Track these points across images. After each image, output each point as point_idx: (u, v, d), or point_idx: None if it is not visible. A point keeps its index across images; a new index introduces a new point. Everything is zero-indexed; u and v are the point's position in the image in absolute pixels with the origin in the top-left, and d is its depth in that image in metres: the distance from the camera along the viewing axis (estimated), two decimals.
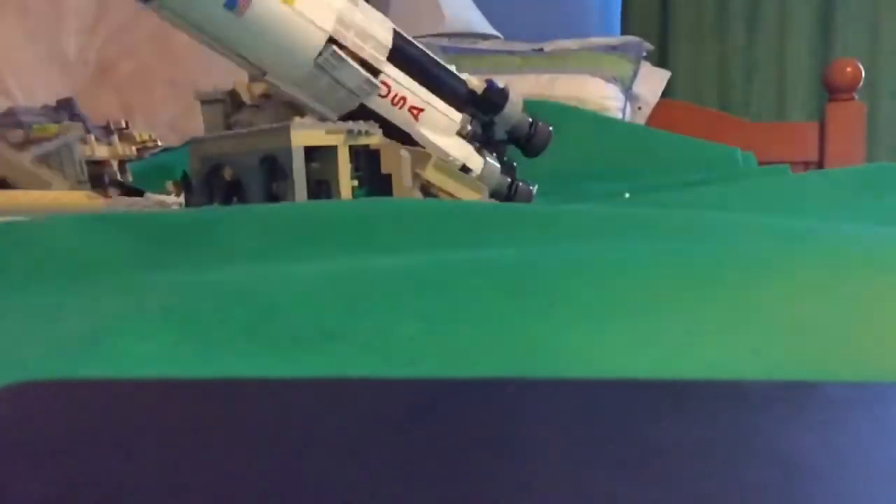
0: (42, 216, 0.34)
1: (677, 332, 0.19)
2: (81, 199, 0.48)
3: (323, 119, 0.52)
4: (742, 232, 0.31)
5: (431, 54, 0.57)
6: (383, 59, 0.53)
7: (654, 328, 0.19)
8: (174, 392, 0.15)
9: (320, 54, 0.50)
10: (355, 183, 0.51)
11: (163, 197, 0.58)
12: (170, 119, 1.06)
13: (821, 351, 0.18)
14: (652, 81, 1.42)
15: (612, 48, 1.32)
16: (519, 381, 0.16)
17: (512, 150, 0.63)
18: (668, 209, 0.47)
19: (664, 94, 1.44)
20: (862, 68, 1.33)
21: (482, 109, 0.59)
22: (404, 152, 0.52)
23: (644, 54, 1.36)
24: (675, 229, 0.32)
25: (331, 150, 0.50)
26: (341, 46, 0.50)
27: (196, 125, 0.59)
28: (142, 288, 0.24)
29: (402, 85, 0.54)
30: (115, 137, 0.60)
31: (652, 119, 1.38)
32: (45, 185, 0.51)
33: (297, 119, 0.49)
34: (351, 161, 0.50)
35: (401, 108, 0.54)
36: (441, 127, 0.56)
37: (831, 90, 1.34)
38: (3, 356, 0.18)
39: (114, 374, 0.17)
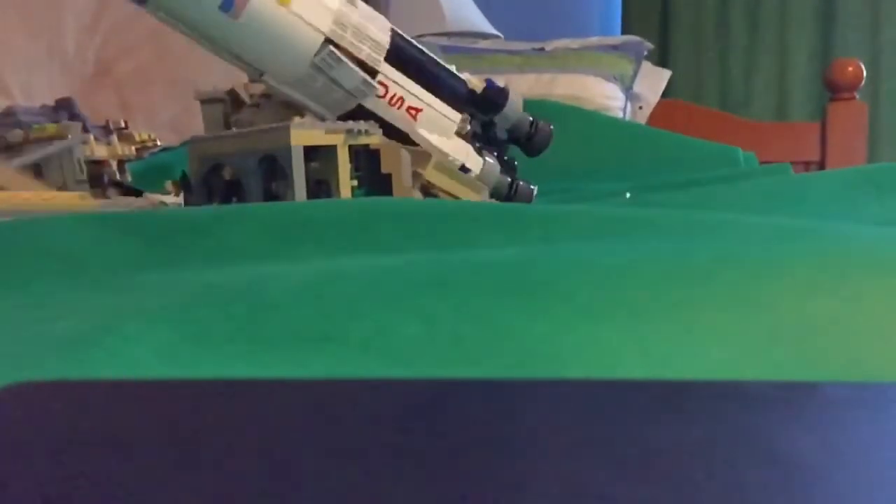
0: (38, 216, 0.34)
1: (677, 332, 0.19)
2: (73, 199, 0.48)
3: (322, 119, 0.52)
4: (743, 232, 0.31)
5: (430, 54, 0.57)
6: (381, 59, 0.53)
7: (654, 328, 0.19)
8: (174, 392, 0.15)
9: (317, 55, 0.50)
10: (355, 183, 0.51)
11: (162, 197, 0.58)
12: (169, 119, 1.06)
13: (821, 351, 0.18)
14: (653, 81, 1.41)
15: (613, 48, 1.32)
16: (519, 381, 0.16)
17: (513, 150, 0.63)
18: (669, 209, 0.47)
19: (665, 93, 1.44)
20: (863, 68, 1.33)
21: (482, 109, 0.59)
22: (404, 152, 0.52)
23: (645, 54, 1.36)
24: (675, 229, 0.32)
25: (330, 150, 0.50)
26: (338, 47, 0.50)
27: (196, 125, 0.59)
28: (141, 288, 0.24)
29: (399, 85, 0.54)
30: (115, 137, 0.60)
31: (652, 119, 1.38)
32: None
33: (297, 119, 0.49)
34: (351, 161, 0.50)
35: (399, 108, 0.54)
36: (440, 127, 0.56)
37: (833, 90, 1.34)
38: (2, 356, 0.18)
39: (114, 374, 0.17)
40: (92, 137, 0.58)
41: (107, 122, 0.63)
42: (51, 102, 0.65)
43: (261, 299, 0.21)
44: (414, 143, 0.55)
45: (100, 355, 0.18)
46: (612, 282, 0.21)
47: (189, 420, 0.14)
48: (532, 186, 0.62)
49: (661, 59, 1.85)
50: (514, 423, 0.13)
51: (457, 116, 0.57)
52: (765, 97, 1.85)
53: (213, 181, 0.53)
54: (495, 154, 0.61)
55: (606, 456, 0.12)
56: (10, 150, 0.57)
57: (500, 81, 0.61)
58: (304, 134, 0.48)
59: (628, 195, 0.67)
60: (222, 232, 0.32)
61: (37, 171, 0.56)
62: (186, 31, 0.49)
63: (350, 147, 0.50)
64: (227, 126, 0.55)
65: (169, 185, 0.61)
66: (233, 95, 0.56)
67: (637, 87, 1.35)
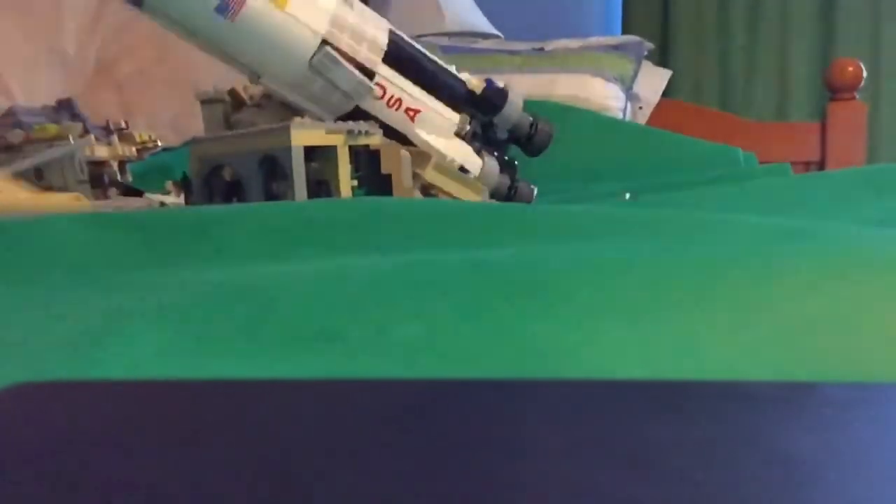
0: (39, 215, 0.34)
1: (677, 332, 0.19)
2: (66, 200, 0.48)
3: (321, 120, 0.52)
4: (743, 232, 0.31)
5: (429, 54, 0.57)
6: (378, 60, 0.53)
7: (655, 328, 0.19)
8: (174, 392, 0.15)
9: (314, 56, 0.50)
10: (355, 183, 0.51)
11: (162, 197, 0.58)
12: (170, 119, 1.06)
13: (821, 351, 0.18)
14: (653, 81, 1.42)
15: (613, 48, 1.32)
16: (519, 381, 0.16)
17: (514, 150, 0.63)
18: (669, 209, 0.47)
19: (665, 93, 1.44)
20: (863, 68, 1.33)
21: (481, 110, 0.59)
22: (404, 153, 0.52)
23: (645, 54, 1.36)
24: (675, 229, 0.32)
25: (331, 151, 0.50)
26: (335, 48, 0.50)
27: (196, 125, 0.59)
28: (142, 287, 0.24)
29: (397, 86, 0.54)
30: (115, 138, 0.60)
31: (653, 119, 1.38)
32: None
33: (297, 119, 0.49)
34: (351, 161, 0.50)
35: (397, 109, 0.54)
36: (438, 128, 0.56)
37: (833, 90, 1.34)
38: (2, 356, 0.18)
39: (114, 374, 0.17)
40: (93, 138, 0.58)
41: (107, 122, 0.63)
42: (51, 103, 0.65)
43: (261, 299, 0.21)
44: (413, 144, 0.55)
45: (101, 355, 0.18)
46: (612, 282, 0.21)
47: (189, 420, 0.14)
48: (532, 187, 0.62)
49: (662, 60, 1.85)
50: (514, 423, 0.13)
51: (455, 117, 0.57)
52: (765, 97, 1.85)
53: (213, 182, 0.53)
54: (495, 154, 0.61)
55: (606, 456, 0.12)
56: (11, 150, 0.57)
57: (500, 81, 0.61)
58: (304, 134, 0.48)
59: (628, 196, 0.67)
60: (223, 232, 0.32)
61: (38, 172, 0.56)
62: (183, 34, 0.49)
63: (350, 147, 0.50)
64: (228, 126, 0.55)
65: (169, 185, 0.61)
66: (233, 96, 0.56)
67: (637, 88, 1.35)
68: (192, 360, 0.18)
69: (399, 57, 0.54)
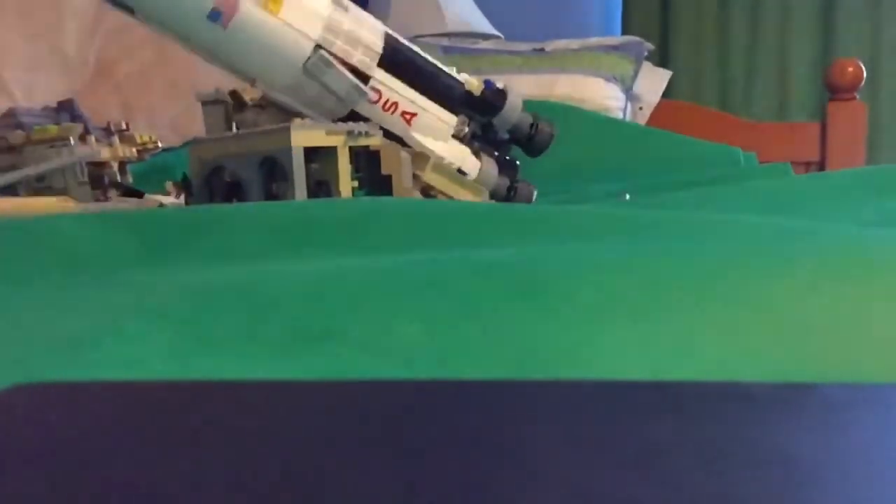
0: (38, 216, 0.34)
1: (677, 332, 0.19)
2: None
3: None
4: (743, 232, 0.31)
5: (427, 56, 0.57)
6: (374, 64, 0.52)
7: (655, 329, 0.19)
8: (174, 392, 0.15)
9: (308, 59, 0.50)
10: (355, 184, 0.51)
11: (161, 198, 0.58)
12: (170, 119, 1.06)
13: (821, 351, 0.18)
14: (653, 81, 1.42)
15: (613, 48, 1.32)
16: (519, 381, 0.16)
17: (515, 150, 0.63)
18: (669, 209, 0.47)
19: (665, 94, 1.44)
20: (863, 68, 1.33)
21: (480, 111, 0.59)
22: (404, 153, 0.52)
23: (645, 54, 1.36)
24: (675, 230, 0.32)
25: (331, 151, 0.50)
26: (329, 53, 0.50)
27: (196, 126, 0.59)
28: (141, 287, 0.24)
29: (393, 90, 0.54)
30: (116, 139, 0.60)
31: (653, 119, 1.38)
32: None
33: (297, 120, 0.49)
34: (351, 162, 0.50)
35: (392, 113, 0.54)
36: (435, 131, 0.56)
37: (833, 90, 1.34)
38: (2, 356, 0.18)
39: (114, 374, 0.17)
40: (93, 139, 0.58)
41: (108, 123, 0.63)
42: (52, 104, 0.65)
43: (261, 299, 0.21)
44: None
45: (100, 355, 0.18)
46: (612, 282, 0.21)
47: (189, 420, 0.14)
48: (532, 187, 0.62)
49: (662, 60, 1.85)
50: (514, 424, 0.13)
51: (453, 120, 0.57)
52: (765, 97, 1.85)
53: (213, 182, 0.53)
54: (496, 154, 0.61)
55: (606, 456, 0.12)
56: (12, 151, 0.57)
57: (499, 82, 0.61)
58: (304, 135, 0.48)
59: (628, 196, 0.67)
60: (223, 231, 0.32)
61: (39, 174, 0.56)
62: (177, 40, 0.49)
63: (350, 148, 0.50)
64: (229, 127, 0.55)
65: (169, 185, 0.61)
66: (235, 97, 0.56)
67: (637, 88, 1.35)
68: (191, 360, 0.18)
69: (395, 60, 0.54)
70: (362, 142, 0.51)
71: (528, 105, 0.63)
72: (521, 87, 1.22)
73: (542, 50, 1.32)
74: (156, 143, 0.63)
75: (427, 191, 0.54)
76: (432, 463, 0.12)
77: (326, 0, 0.51)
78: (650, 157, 0.97)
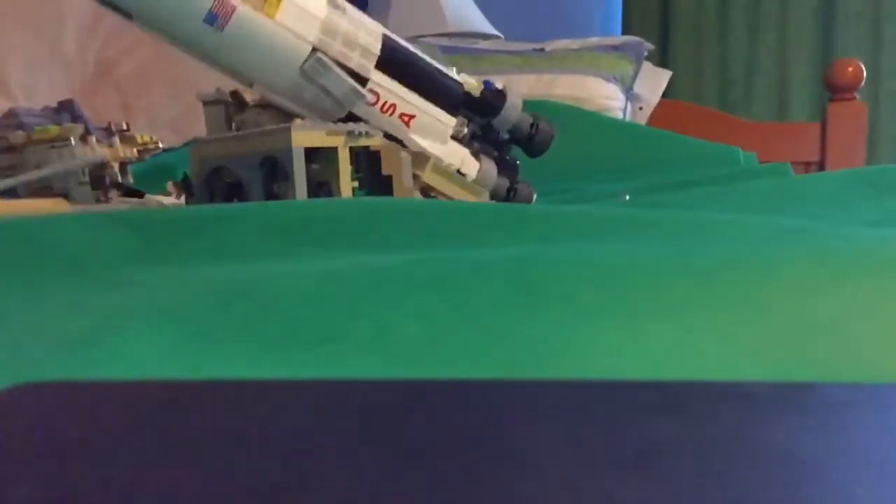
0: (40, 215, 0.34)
1: (677, 332, 0.19)
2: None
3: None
4: (742, 232, 0.31)
5: (425, 58, 0.57)
6: (371, 66, 0.52)
7: (654, 328, 0.19)
8: (174, 392, 0.15)
9: (305, 62, 0.50)
10: (356, 184, 0.51)
11: (161, 198, 0.58)
12: (171, 119, 1.06)
13: (821, 351, 0.18)
14: (653, 81, 1.42)
15: (613, 48, 1.32)
16: (519, 381, 0.16)
17: (516, 150, 0.63)
18: (669, 209, 0.47)
19: (665, 94, 1.44)
20: (863, 68, 1.33)
21: (479, 112, 0.59)
22: (405, 154, 0.52)
23: (645, 54, 1.36)
24: (675, 229, 0.32)
25: (331, 152, 0.50)
26: (327, 56, 0.50)
27: (197, 125, 0.59)
28: (142, 287, 0.24)
29: (391, 92, 0.54)
30: (116, 139, 0.60)
31: (653, 119, 1.38)
32: None
33: (298, 120, 0.49)
34: (351, 162, 0.50)
35: (391, 115, 0.54)
36: (434, 132, 0.56)
37: (833, 90, 1.34)
38: (2, 356, 0.18)
39: (115, 374, 0.17)
40: (94, 139, 0.58)
41: (109, 123, 0.63)
42: (53, 104, 0.65)
43: (261, 299, 0.21)
44: None
45: (101, 355, 0.18)
46: (612, 282, 0.21)
47: (189, 420, 0.14)
48: (532, 188, 0.62)
49: (662, 60, 1.85)
50: (514, 424, 0.13)
51: (452, 121, 0.57)
52: (765, 97, 1.85)
53: (214, 182, 0.53)
54: (496, 155, 0.61)
55: (606, 456, 0.12)
56: (13, 151, 0.57)
57: (499, 82, 0.61)
58: (305, 136, 0.48)
59: (627, 197, 0.67)
60: (223, 231, 0.32)
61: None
62: (174, 44, 0.49)
63: (351, 149, 0.50)
64: (230, 127, 0.55)
65: (170, 186, 0.61)
66: (236, 96, 0.56)
67: (637, 88, 1.35)
68: (192, 359, 0.18)
69: (393, 62, 0.54)
70: (363, 142, 0.51)
71: (529, 105, 0.63)
72: (522, 87, 1.22)
73: (542, 50, 1.32)
74: (156, 143, 0.63)
75: (427, 191, 0.54)
76: (432, 463, 0.12)
77: (323, 2, 0.51)
78: (650, 157, 0.97)
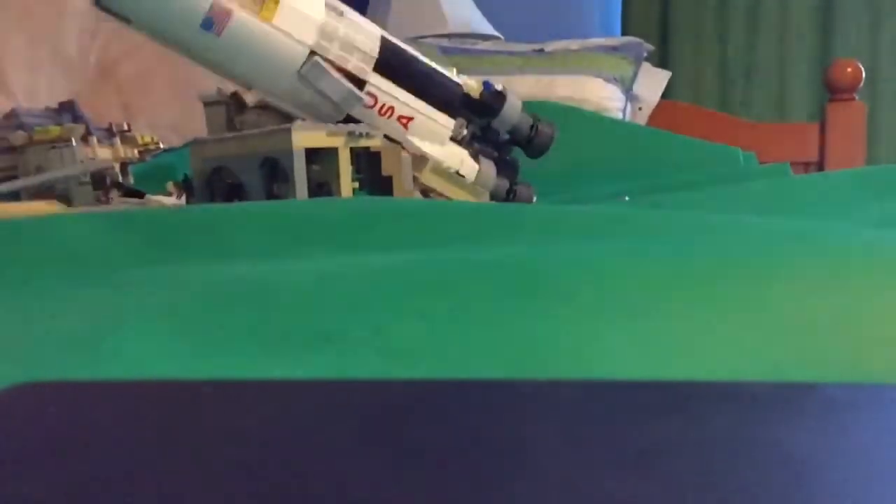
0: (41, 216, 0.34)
1: (677, 332, 0.19)
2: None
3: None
4: (742, 233, 0.31)
5: (424, 60, 0.57)
6: (369, 69, 0.52)
7: (654, 329, 0.19)
8: (174, 392, 0.15)
9: (302, 66, 0.50)
10: (356, 185, 0.51)
11: (162, 198, 0.58)
12: (171, 120, 1.06)
13: (821, 351, 0.18)
14: (652, 82, 1.42)
15: (613, 49, 1.32)
16: (519, 381, 0.16)
17: (516, 150, 0.63)
18: (669, 210, 0.47)
19: (665, 94, 1.44)
20: (863, 68, 1.33)
21: (478, 113, 0.59)
22: (405, 154, 0.52)
23: (644, 55, 1.36)
24: (675, 230, 0.32)
25: (332, 153, 0.50)
26: (324, 59, 0.50)
27: (197, 126, 0.59)
28: (142, 287, 0.24)
29: (389, 95, 0.53)
30: (117, 139, 0.60)
31: (652, 119, 1.38)
32: None
33: (298, 121, 0.49)
34: (352, 163, 0.50)
35: (389, 117, 0.54)
36: (432, 134, 0.56)
37: (832, 90, 1.34)
38: (3, 356, 0.18)
39: (115, 373, 0.17)
40: (95, 140, 0.58)
41: (110, 124, 0.63)
42: (53, 104, 0.65)
43: (262, 298, 0.21)
44: None
45: (101, 355, 0.18)
46: (612, 282, 0.21)
47: (189, 420, 0.14)
48: (532, 189, 0.62)
49: (661, 60, 1.85)
50: (514, 424, 0.13)
51: (450, 123, 0.57)
52: (765, 97, 1.85)
53: (215, 183, 0.53)
54: (496, 155, 0.61)
55: (606, 456, 0.12)
56: (14, 151, 0.57)
57: (499, 83, 0.61)
58: (305, 136, 0.48)
59: (627, 198, 0.66)
60: (224, 230, 0.32)
61: (38, 173, 0.56)
62: (172, 48, 0.49)
63: (351, 149, 0.50)
64: (231, 128, 0.55)
65: (170, 186, 0.61)
66: (236, 98, 0.56)
67: (637, 88, 1.35)
68: (192, 359, 0.18)
69: (392, 64, 0.53)
70: (363, 143, 0.51)
71: (528, 106, 0.63)
72: (521, 87, 1.22)
73: (541, 51, 1.32)
74: (157, 143, 0.63)
75: (426, 192, 0.54)
76: (432, 463, 0.12)
77: (321, 6, 0.51)
78: (650, 157, 0.97)
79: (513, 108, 0.59)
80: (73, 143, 0.56)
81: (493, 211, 0.34)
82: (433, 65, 0.57)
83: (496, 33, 1.49)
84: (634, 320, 0.19)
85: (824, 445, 0.12)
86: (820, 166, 1.34)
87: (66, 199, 0.55)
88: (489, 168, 0.59)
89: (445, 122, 0.56)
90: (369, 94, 0.53)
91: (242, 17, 0.48)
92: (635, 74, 1.31)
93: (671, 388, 0.15)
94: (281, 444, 0.12)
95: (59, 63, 0.98)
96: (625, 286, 0.21)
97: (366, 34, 0.53)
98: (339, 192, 0.50)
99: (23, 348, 0.19)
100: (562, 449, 0.12)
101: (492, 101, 0.58)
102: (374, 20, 0.57)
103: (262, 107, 0.54)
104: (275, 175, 0.49)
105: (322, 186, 0.50)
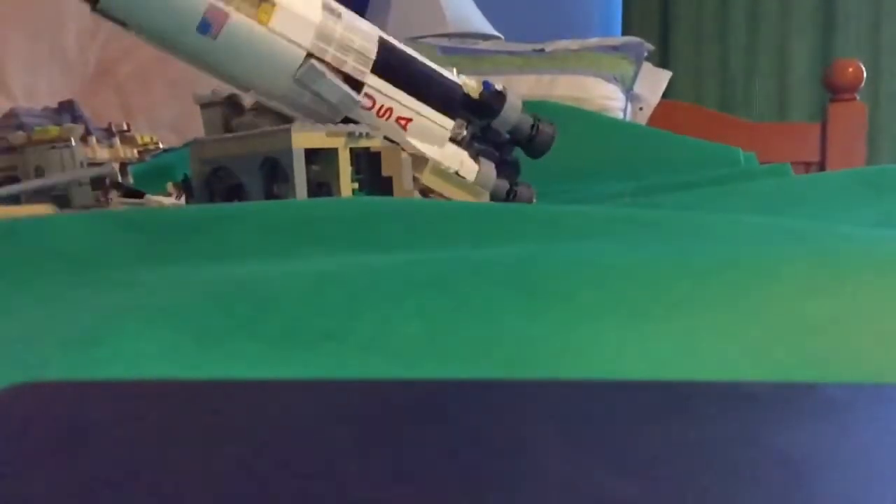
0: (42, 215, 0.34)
1: (677, 332, 0.19)
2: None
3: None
4: (743, 232, 0.31)
5: (423, 60, 0.57)
6: (367, 71, 0.52)
7: (654, 329, 0.19)
8: (174, 392, 0.15)
9: (299, 69, 0.50)
10: (356, 185, 0.51)
11: (161, 198, 0.58)
12: (171, 119, 1.06)
13: (821, 351, 0.18)
14: (653, 82, 1.42)
15: (613, 48, 1.32)
16: (519, 381, 0.16)
17: (517, 151, 0.63)
18: (669, 209, 0.47)
19: (665, 94, 1.44)
20: (863, 68, 1.33)
21: (478, 114, 0.59)
22: (405, 155, 0.52)
23: (645, 54, 1.36)
24: (675, 229, 0.32)
25: (331, 153, 0.50)
26: (321, 61, 0.50)
27: (197, 126, 0.59)
28: (142, 286, 0.24)
29: (387, 96, 0.53)
30: (117, 139, 0.60)
31: (653, 119, 1.38)
32: None
33: (298, 122, 0.49)
34: (352, 164, 0.50)
35: (387, 119, 0.54)
36: (432, 135, 0.56)
37: (833, 90, 1.34)
38: (2, 356, 0.18)
39: (115, 373, 0.17)
40: (94, 139, 0.58)
41: (109, 124, 0.63)
42: (53, 104, 0.65)
43: (262, 297, 0.21)
44: None
45: (101, 354, 0.18)
46: (612, 282, 0.21)
47: (189, 420, 0.14)
48: (532, 189, 0.62)
49: (662, 60, 1.85)
50: (514, 424, 0.13)
51: (450, 124, 0.57)
52: (765, 98, 1.85)
53: (214, 183, 0.53)
54: (497, 156, 0.61)
55: (606, 456, 0.12)
56: (13, 151, 0.57)
57: (499, 83, 0.61)
58: (305, 137, 0.48)
59: (627, 200, 0.66)
60: (224, 230, 0.32)
61: (39, 174, 0.56)
62: (169, 52, 0.49)
63: (351, 150, 0.50)
64: (228, 130, 0.55)
65: (170, 186, 0.61)
66: (232, 100, 0.56)
67: (637, 88, 1.35)
68: (192, 358, 0.18)
69: (390, 65, 0.53)
70: (363, 143, 0.51)
71: (529, 106, 0.63)
72: (522, 87, 1.22)
73: (542, 50, 1.33)
74: (157, 143, 0.63)
75: (426, 193, 0.54)
76: (432, 463, 0.12)
77: (318, 8, 0.51)
78: (650, 157, 0.97)
79: (513, 108, 0.59)
80: (73, 144, 0.56)
81: (493, 211, 0.34)
82: (432, 65, 0.57)
83: (496, 33, 1.49)
84: (634, 320, 0.19)
85: (824, 445, 0.12)
86: (821, 166, 1.34)
87: (65, 199, 0.55)
88: (489, 169, 0.59)
89: (445, 123, 0.56)
90: (367, 95, 0.53)
91: (239, 20, 0.48)
92: (636, 74, 1.31)
93: (671, 388, 0.15)
94: (281, 444, 0.12)
95: (59, 63, 0.98)
96: (625, 286, 0.21)
97: (363, 35, 0.52)
98: (338, 193, 0.50)
99: (23, 348, 0.19)
100: (562, 449, 0.12)
101: (492, 101, 0.58)
102: (374, 20, 0.57)
103: (260, 109, 0.54)
104: (274, 175, 0.49)
105: (322, 187, 0.50)
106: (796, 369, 0.18)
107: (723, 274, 0.21)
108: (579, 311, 0.19)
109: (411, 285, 0.21)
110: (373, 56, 0.52)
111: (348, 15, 0.53)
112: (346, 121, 0.53)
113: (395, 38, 0.57)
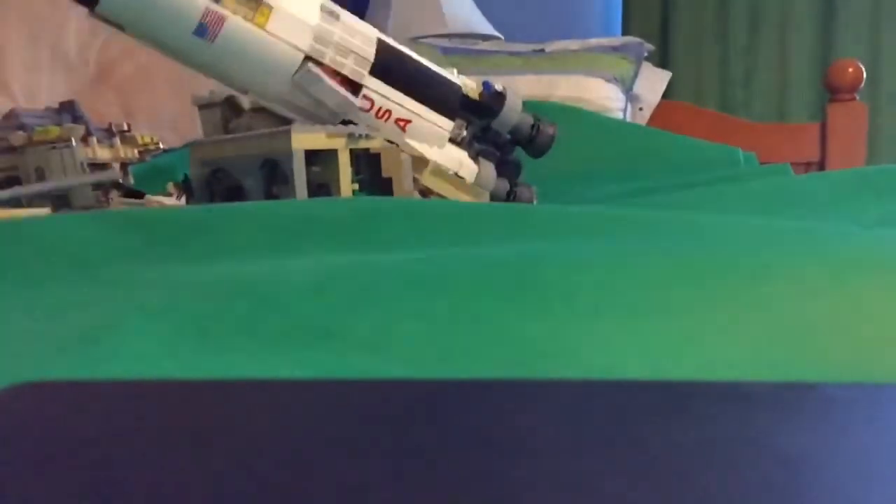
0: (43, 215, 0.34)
1: (677, 332, 0.19)
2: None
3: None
4: (743, 233, 0.31)
5: (422, 61, 0.56)
6: (366, 73, 0.52)
7: (655, 329, 0.19)
8: (174, 392, 0.15)
9: (296, 72, 0.50)
10: (356, 186, 0.51)
11: (161, 199, 0.58)
12: (171, 120, 1.07)
13: (821, 351, 0.18)
14: (653, 82, 1.42)
15: (613, 49, 1.32)
16: (519, 381, 0.16)
17: (518, 151, 0.63)
18: (670, 210, 0.47)
19: (665, 94, 1.44)
20: (863, 69, 1.33)
21: (478, 115, 0.59)
22: (405, 156, 0.52)
23: (645, 55, 1.36)
24: (676, 230, 0.32)
25: (331, 154, 0.50)
26: (319, 64, 0.50)
27: (198, 126, 0.59)
28: (143, 285, 0.24)
29: (386, 98, 0.53)
30: (117, 140, 0.60)
31: (653, 120, 1.38)
32: None
33: (298, 123, 0.49)
34: (351, 165, 0.50)
35: (386, 120, 0.54)
36: (431, 137, 0.56)
37: (833, 91, 1.34)
38: (5, 354, 0.18)
39: (116, 371, 0.17)
40: (94, 139, 0.58)
41: (110, 124, 0.63)
42: (53, 104, 0.65)
43: (262, 296, 0.21)
44: None
45: (101, 353, 0.18)
46: (612, 282, 0.21)
47: (190, 419, 0.14)
48: (533, 189, 0.62)
49: (662, 61, 1.85)
50: (514, 424, 0.13)
51: (449, 125, 0.57)
52: (765, 98, 1.85)
53: (214, 184, 0.53)
54: (497, 156, 0.61)
55: (606, 456, 0.12)
56: (13, 151, 0.57)
57: (499, 83, 0.61)
58: (305, 138, 0.48)
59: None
60: (224, 229, 0.32)
61: (39, 175, 0.56)
62: (167, 55, 0.50)
63: (351, 151, 0.50)
64: (227, 131, 0.56)
65: (170, 186, 0.61)
66: (231, 102, 0.56)
67: (637, 89, 1.35)
68: (192, 357, 0.18)
69: (389, 67, 0.53)
70: (363, 144, 0.51)
71: (529, 106, 0.63)
72: (522, 87, 1.22)
73: (542, 51, 1.33)
74: (157, 143, 0.63)
75: (426, 193, 0.54)
76: (432, 463, 0.12)
77: (316, 10, 0.51)
78: (650, 157, 0.97)
79: (513, 109, 0.59)
80: (73, 144, 0.56)
81: (493, 211, 0.34)
82: (431, 66, 0.57)
83: (496, 33, 1.49)
84: (634, 320, 0.19)
85: (824, 445, 0.12)
86: (821, 167, 1.34)
87: (65, 199, 0.55)
88: (489, 169, 0.59)
89: (444, 124, 0.56)
90: (366, 97, 0.52)
91: (236, 23, 0.48)
92: (636, 74, 1.31)
93: (671, 388, 0.15)
94: (281, 444, 0.12)
95: (59, 63, 0.98)
96: (625, 286, 0.21)
97: (361, 37, 0.52)
98: (338, 194, 0.50)
99: (23, 348, 0.19)
100: (562, 449, 0.12)
101: (491, 101, 0.58)
102: (374, 21, 0.57)
103: (258, 110, 0.54)
104: (274, 177, 0.49)
105: (322, 188, 0.50)
106: (796, 369, 0.18)
107: (723, 274, 0.21)
108: (579, 311, 0.19)
109: (411, 285, 0.21)
110: (371, 58, 0.52)
111: (346, 16, 0.53)
112: (346, 122, 0.53)
113: (395, 38, 0.57)
